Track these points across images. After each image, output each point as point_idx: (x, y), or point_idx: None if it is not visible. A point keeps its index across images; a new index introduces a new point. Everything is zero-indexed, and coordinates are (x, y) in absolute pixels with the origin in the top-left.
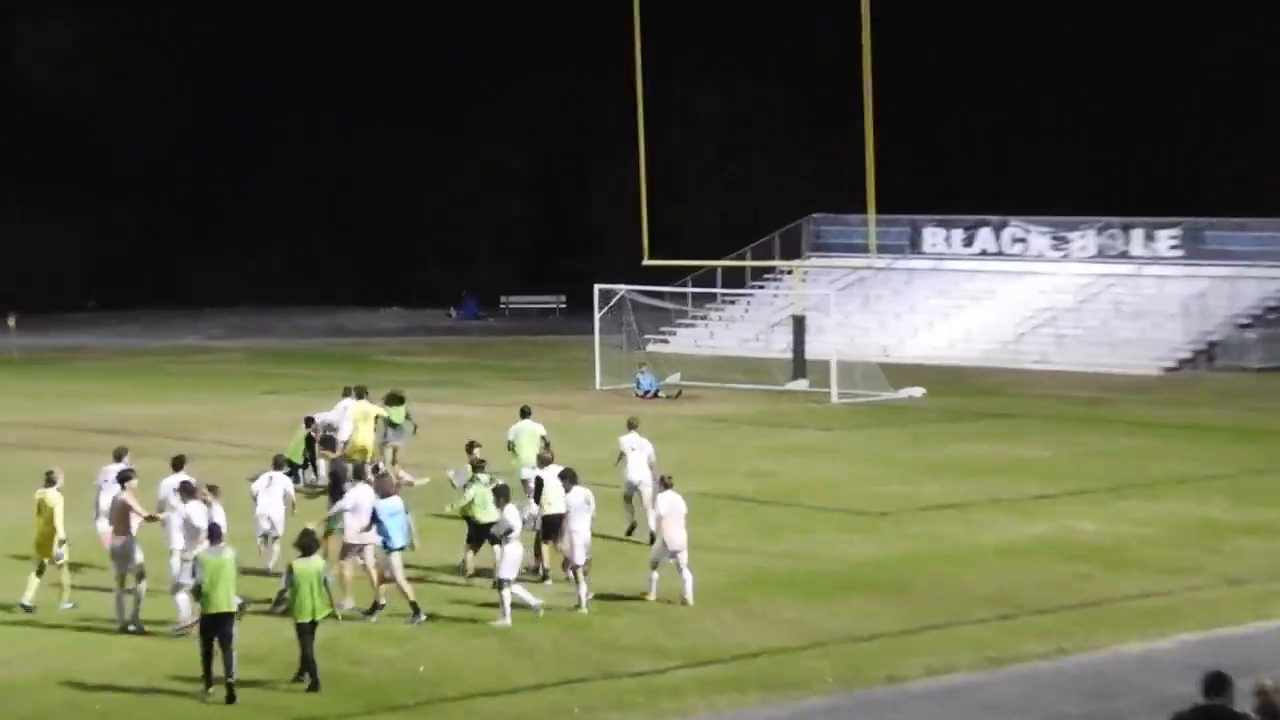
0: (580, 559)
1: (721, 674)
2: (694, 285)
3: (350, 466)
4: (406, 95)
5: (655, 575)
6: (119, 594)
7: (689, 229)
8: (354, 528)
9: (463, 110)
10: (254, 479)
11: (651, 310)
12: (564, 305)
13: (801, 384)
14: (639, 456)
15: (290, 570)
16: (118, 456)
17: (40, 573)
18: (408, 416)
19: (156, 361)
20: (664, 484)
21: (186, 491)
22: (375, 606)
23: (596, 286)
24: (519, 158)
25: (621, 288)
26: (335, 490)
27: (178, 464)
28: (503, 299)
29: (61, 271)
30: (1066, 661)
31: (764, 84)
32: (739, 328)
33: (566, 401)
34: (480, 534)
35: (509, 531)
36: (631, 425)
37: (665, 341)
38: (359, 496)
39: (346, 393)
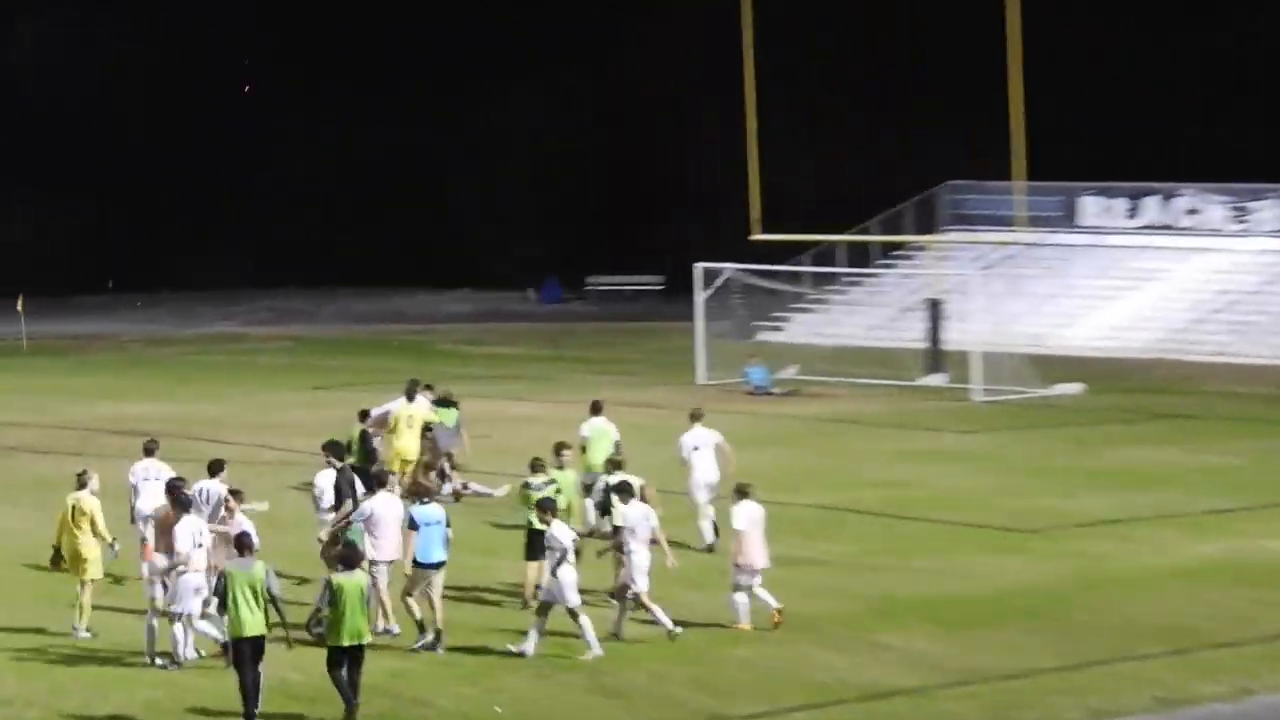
0: (642, 585)
1: (849, 718)
2: (812, 264)
3: (354, 476)
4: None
5: (742, 600)
6: (151, 618)
7: (806, 199)
8: (387, 542)
9: (544, 74)
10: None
11: (763, 293)
12: (661, 286)
13: (938, 379)
14: (705, 455)
15: (329, 585)
16: (149, 450)
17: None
18: (459, 424)
19: (183, 352)
20: (741, 492)
21: (234, 497)
22: (436, 637)
23: (698, 265)
24: (603, 126)
25: (728, 266)
26: (338, 499)
27: (214, 469)
28: (589, 279)
29: (75, 250)
30: (1251, 703)
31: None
32: (865, 313)
33: (663, 399)
34: (537, 547)
35: (563, 556)
36: (695, 418)
37: (779, 329)
38: (378, 506)
39: (414, 386)
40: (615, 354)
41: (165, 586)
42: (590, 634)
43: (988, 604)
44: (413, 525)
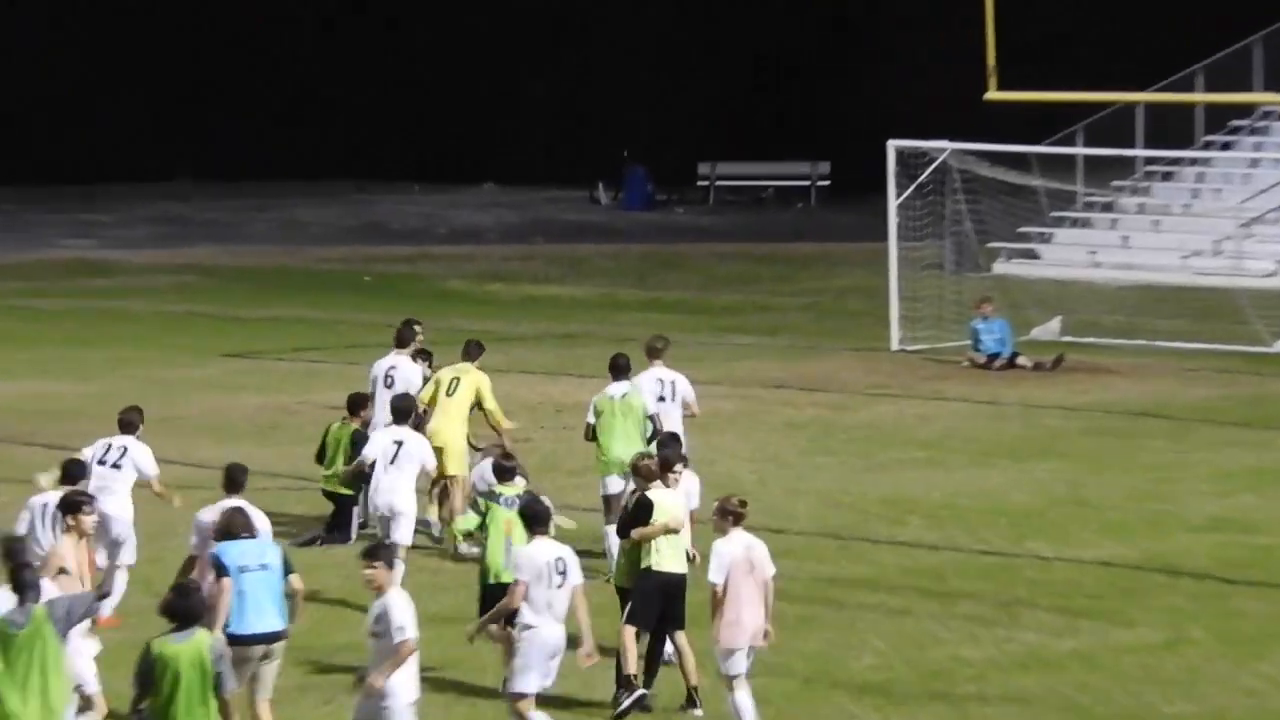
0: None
1: None
2: (1086, 143)
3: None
4: None
5: (744, 702)
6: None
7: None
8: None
9: None
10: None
11: (1004, 193)
12: (825, 181)
13: None
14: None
15: (146, 655)
16: (129, 426)
17: None
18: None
19: (6, 292)
20: (728, 514)
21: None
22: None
23: (893, 144)
24: None
25: (942, 145)
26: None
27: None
28: (704, 169)
29: None
30: None
31: None
32: (1178, 228)
33: (834, 375)
34: (492, 600)
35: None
36: (654, 353)
37: (1031, 256)
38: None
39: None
40: (750, 298)
41: None
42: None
43: None
44: (220, 569)
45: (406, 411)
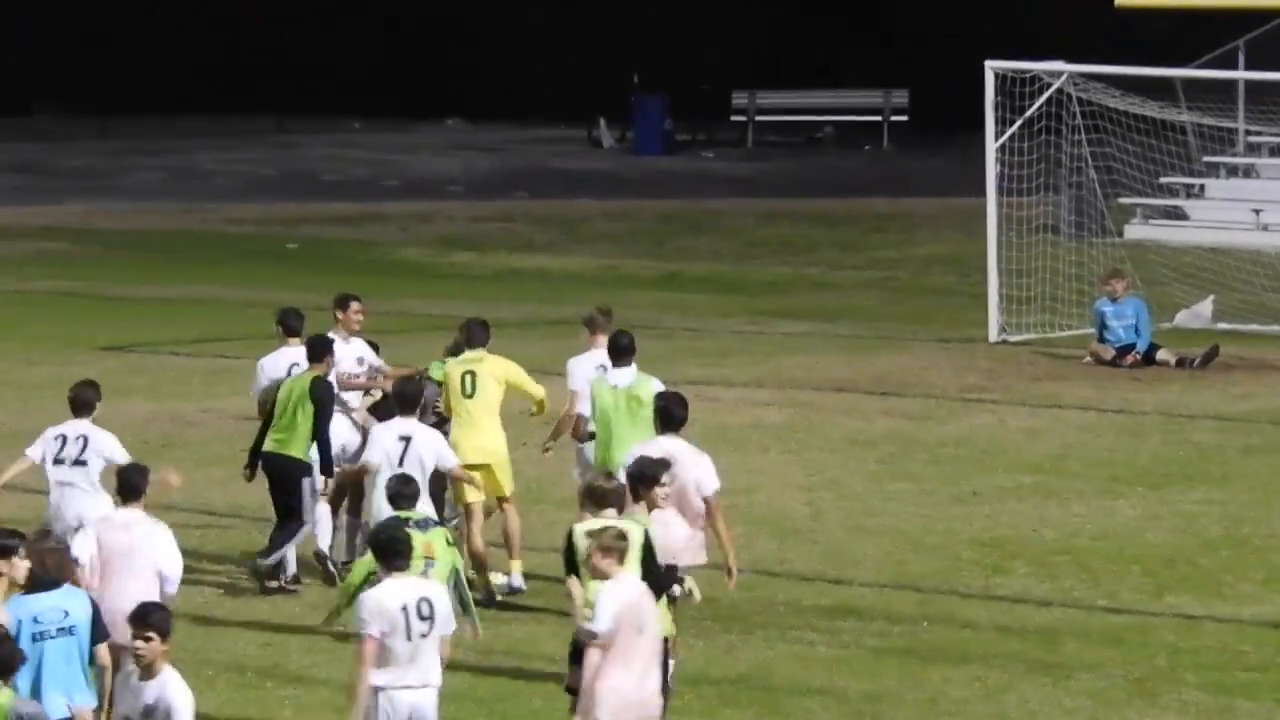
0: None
1: None
2: (1248, 65)
3: None
4: None
5: None
6: None
7: None
8: None
9: None
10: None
11: (1136, 133)
12: (903, 116)
13: None
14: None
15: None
16: (84, 406)
17: None
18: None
19: None
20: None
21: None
22: None
23: (992, 66)
24: None
25: (1059, 67)
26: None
27: None
28: (739, 100)
29: None
30: None
31: None
32: None
33: (914, 375)
34: None
35: None
36: (596, 326)
37: (1176, 216)
38: None
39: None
40: (802, 272)
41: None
42: None
43: None
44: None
45: (414, 399)
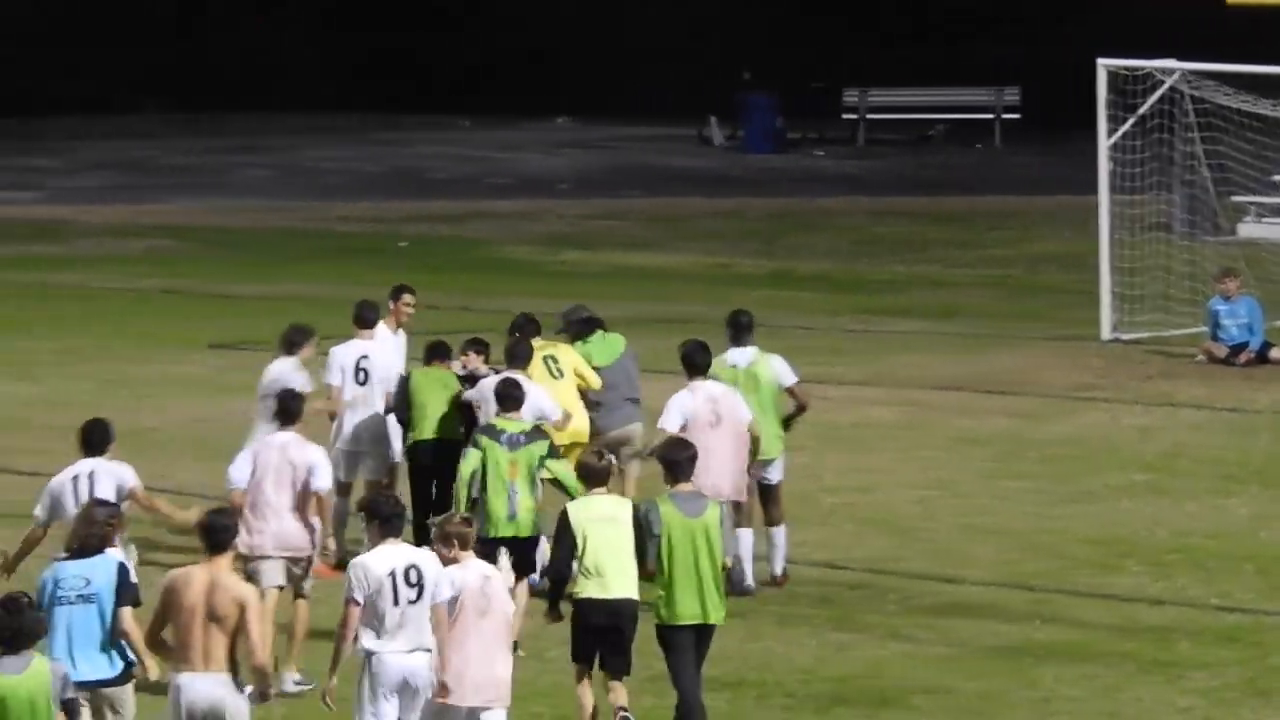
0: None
1: None
2: None
3: None
4: None
5: None
6: None
7: None
8: None
9: None
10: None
11: (1250, 130)
12: (1015, 114)
13: None
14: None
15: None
16: (94, 445)
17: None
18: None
19: None
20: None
21: None
22: None
23: (1103, 64)
24: None
25: (1171, 65)
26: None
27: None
28: (850, 98)
29: None
30: None
31: None
32: None
33: (1026, 374)
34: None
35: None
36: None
37: None
38: None
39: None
40: (914, 270)
41: None
42: None
43: None
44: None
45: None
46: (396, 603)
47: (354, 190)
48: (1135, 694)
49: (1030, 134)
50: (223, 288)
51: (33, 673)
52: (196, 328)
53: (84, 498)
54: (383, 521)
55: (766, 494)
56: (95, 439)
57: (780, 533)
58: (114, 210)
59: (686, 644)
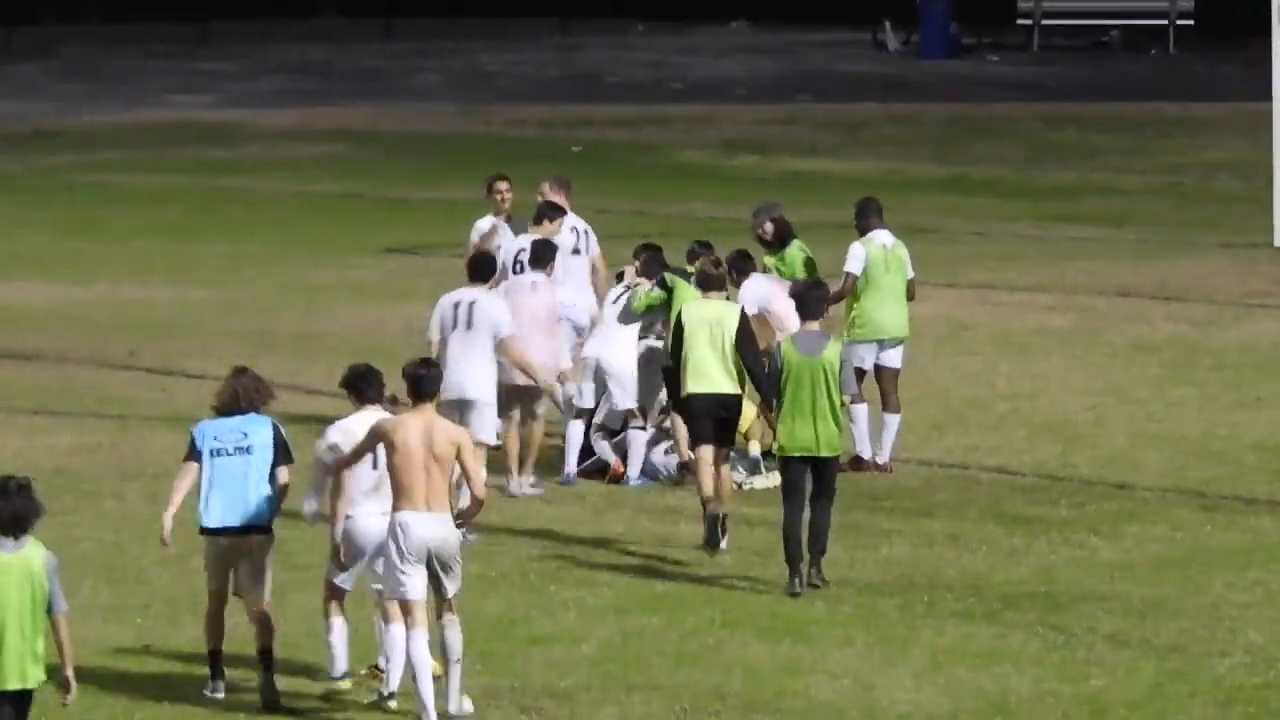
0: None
1: None
2: None
3: None
4: None
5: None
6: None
7: None
8: None
9: None
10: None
11: None
12: (1189, 20)
13: None
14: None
15: None
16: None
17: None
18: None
19: (90, 164)
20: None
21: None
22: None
23: None
24: None
25: None
26: None
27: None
28: (1025, 4)
29: None
30: None
31: None
32: None
33: (1199, 280)
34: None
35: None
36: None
37: None
38: None
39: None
40: (1086, 176)
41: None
42: None
43: None
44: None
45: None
46: (375, 466)
47: (528, 94)
48: None
49: (1204, 40)
50: (396, 192)
51: (24, 555)
52: (370, 233)
53: (462, 323)
54: (364, 388)
55: (887, 378)
56: (483, 273)
57: (895, 421)
58: (285, 114)
59: (798, 477)
